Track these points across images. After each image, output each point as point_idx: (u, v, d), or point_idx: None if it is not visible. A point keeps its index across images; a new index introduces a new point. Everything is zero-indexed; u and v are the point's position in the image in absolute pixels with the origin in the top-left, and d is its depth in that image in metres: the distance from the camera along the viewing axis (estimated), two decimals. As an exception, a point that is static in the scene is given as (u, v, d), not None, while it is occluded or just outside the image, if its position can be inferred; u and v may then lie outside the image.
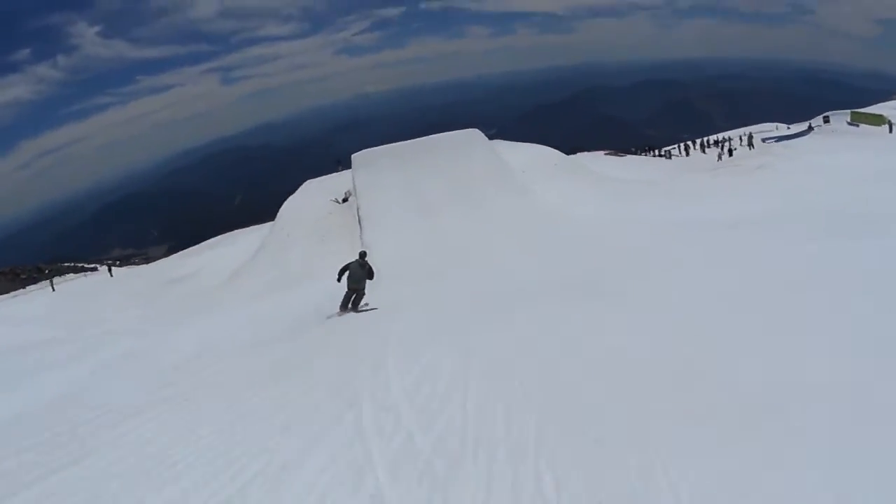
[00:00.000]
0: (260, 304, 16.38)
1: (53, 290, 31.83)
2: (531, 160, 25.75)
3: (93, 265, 43.37)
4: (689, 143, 43.09)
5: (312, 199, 25.52)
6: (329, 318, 10.81)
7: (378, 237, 18.72)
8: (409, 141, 24.64)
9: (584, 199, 21.29)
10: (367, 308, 11.00)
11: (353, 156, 23.52)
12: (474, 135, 24.48)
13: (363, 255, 11.30)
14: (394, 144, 24.38)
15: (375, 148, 24.02)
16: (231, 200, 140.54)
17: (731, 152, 34.24)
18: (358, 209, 21.19)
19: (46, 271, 42.47)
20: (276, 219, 25.35)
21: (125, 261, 49.33)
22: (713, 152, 37.18)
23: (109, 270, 37.23)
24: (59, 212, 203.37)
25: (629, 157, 42.37)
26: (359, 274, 10.64)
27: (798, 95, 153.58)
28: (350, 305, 10.82)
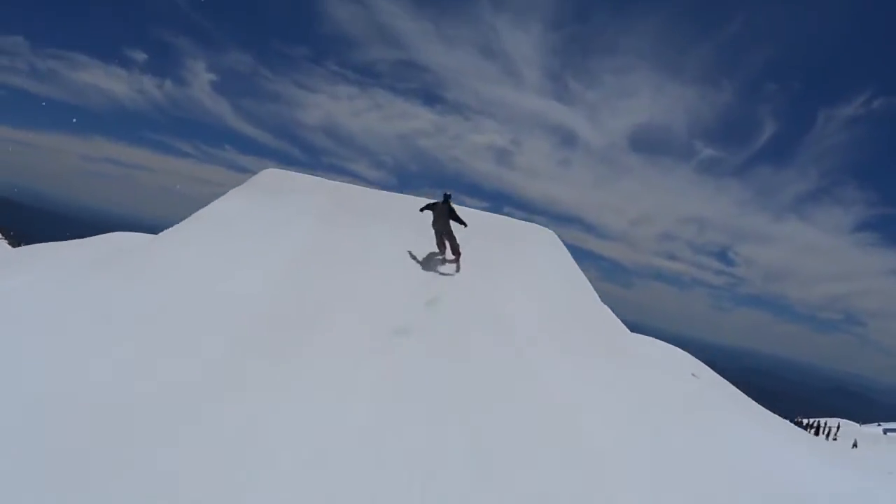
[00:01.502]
0: None
1: None
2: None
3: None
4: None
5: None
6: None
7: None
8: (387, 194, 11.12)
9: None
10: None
11: (263, 172, 10.13)
12: (544, 236, 10.72)
13: (447, 196, 8.81)
14: (376, 191, 11.07)
15: (323, 180, 10.60)
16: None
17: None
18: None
19: None
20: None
21: None
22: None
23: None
24: (93, 219, 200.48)
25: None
26: (440, 213, 8.61)
27: (822, 405, 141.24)
28: (446, 251, 8.93)
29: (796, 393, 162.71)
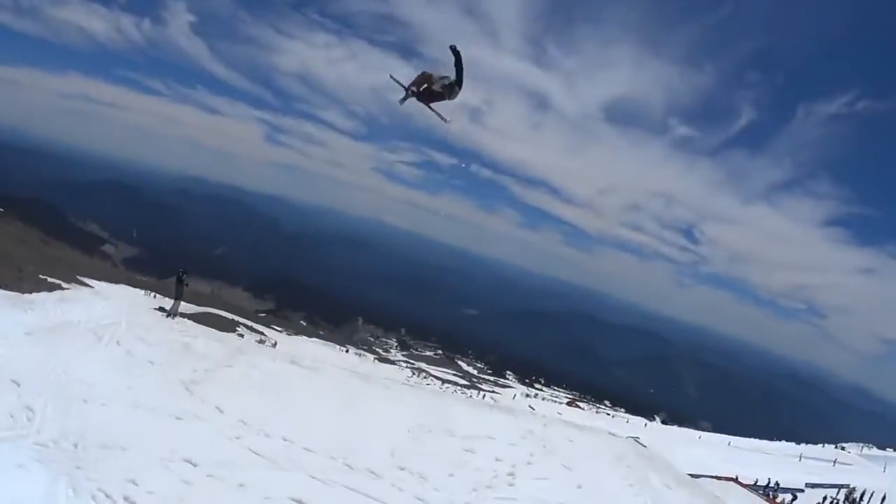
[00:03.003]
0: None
1: None
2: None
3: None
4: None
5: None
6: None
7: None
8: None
9: None
10: None
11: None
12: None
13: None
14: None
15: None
16: (213, 248, 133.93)
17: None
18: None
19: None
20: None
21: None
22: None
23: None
24: (66, 157, 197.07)
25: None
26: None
27: (777, 393, 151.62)
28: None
29: (750, 376, 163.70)
